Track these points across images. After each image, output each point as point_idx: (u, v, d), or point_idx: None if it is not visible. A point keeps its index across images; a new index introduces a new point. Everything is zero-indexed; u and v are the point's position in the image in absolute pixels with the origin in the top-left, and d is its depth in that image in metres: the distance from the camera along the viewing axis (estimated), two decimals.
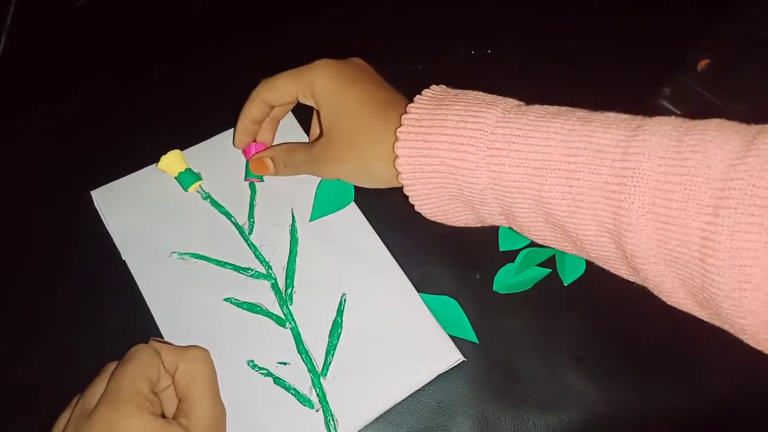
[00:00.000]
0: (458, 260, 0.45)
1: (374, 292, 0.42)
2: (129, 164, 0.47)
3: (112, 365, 0.35)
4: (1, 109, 0.52)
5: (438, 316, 0.42)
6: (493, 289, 0.44)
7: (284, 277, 0.43)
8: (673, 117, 0.30)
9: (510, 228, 0.36)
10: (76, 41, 0.55)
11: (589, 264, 0.44)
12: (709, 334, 0.42)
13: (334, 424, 0.38)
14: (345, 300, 0.42)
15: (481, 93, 0.36)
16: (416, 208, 0.38)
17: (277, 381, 0.40)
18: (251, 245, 0.44)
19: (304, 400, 0.39)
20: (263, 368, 0.40)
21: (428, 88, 0.37)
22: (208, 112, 0.50)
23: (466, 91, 0.37)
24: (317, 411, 0.39)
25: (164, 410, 0.36)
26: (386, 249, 0.44)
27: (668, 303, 0.32)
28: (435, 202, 0.37)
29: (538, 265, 0.44)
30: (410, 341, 0.41)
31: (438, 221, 0.39)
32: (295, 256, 0.44)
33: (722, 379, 0.41)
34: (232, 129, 0.48)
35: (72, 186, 0.46)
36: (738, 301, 0.27)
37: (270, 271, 0.43)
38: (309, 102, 0.42)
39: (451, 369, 0.40)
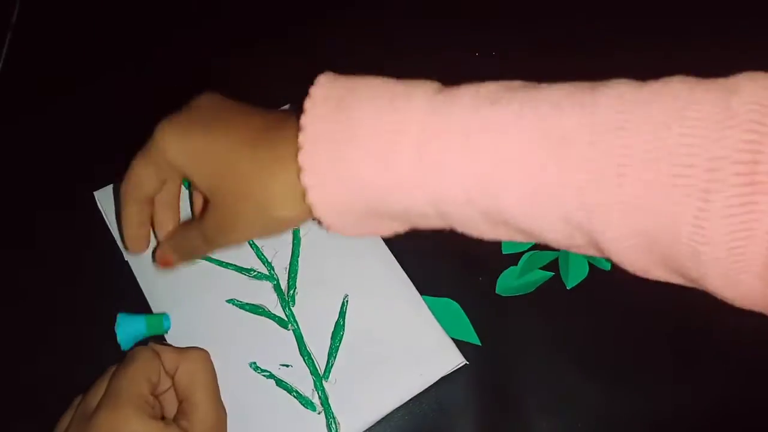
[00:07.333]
0: (461, 263, 0.45)
1: (376, 294, 0.42)
2: None
3: (114, 368, 0.35)
4: (3, 110, 0.52)
5: (440, 318, 0.42)
6: (496, 291, 0.44)
7: (287, 279, 0.43)
8: (624, 81, 0.26)
9: None
10: (78, 41, 0.55)
11: (592, 267, 0.44)
12: (714, 335, 0.42)
13: (336, 426, 0.38)
14: (347, 302, 0.42)
15: (384, 80, 0.29)
16: (330, 230, 0.31)
17: (280, 383, 0.40)
18: (253, 245, 0.44)
19: (307, 403, 0.39)
20: (266, 370, 0.40)
21: (314, 82, 0.29)
22: None
23: (365, 78, 0.29)
24: (319, 413, 0.39)
25: (165, 413, 0.36)
26: (389, 251, 0.44)
27: (635, 273, 0.28)
28: (358, 226, 0.31)
29: (541, 268, 0.44)
30: (412, 344, 0.41)
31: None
32: (298, 257, 0.44)
33: (727, 382, 0.41)
34: None
35: (75, 187, 0.46)
36: (732, 280, 0.24)
37: (272, 272, 0.43)
38: (179, 177, 0.35)
39: (453, 372, 0.40)
